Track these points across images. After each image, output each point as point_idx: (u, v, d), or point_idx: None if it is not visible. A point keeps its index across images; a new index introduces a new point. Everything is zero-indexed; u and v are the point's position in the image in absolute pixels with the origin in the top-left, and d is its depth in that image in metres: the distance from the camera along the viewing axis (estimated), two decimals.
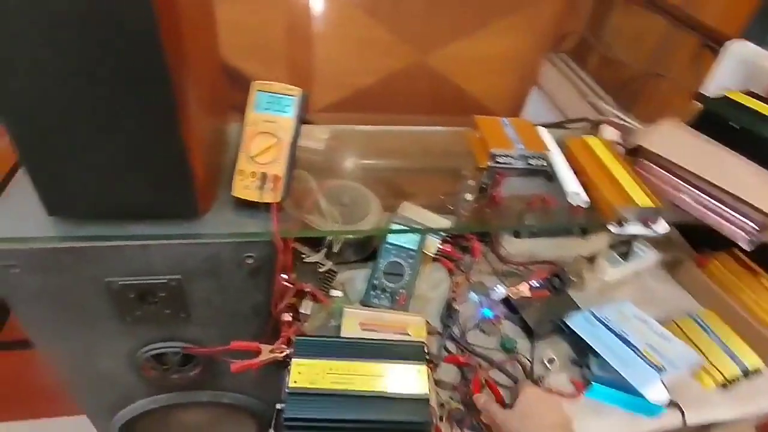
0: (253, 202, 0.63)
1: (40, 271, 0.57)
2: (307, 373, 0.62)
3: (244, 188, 0.62)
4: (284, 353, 0.65)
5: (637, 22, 1.82)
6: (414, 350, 0.66)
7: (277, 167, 0.62)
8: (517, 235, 0.92)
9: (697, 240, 1.04)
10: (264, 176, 0.62)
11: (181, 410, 0.97)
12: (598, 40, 1.92)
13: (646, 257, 0.97)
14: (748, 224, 0.67)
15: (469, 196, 0.84)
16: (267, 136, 0.62)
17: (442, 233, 0.89)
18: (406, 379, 0.62)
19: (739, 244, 0.68)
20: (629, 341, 0.73)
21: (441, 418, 0.69)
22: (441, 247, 0.89)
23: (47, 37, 0.42)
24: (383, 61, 1.88)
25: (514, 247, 0.93)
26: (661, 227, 0.69)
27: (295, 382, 0.60)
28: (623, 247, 0.96)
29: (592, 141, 0.80)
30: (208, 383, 0.84)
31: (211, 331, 0.73)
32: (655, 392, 0.69)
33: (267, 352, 0.65)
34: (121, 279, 0.61)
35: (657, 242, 1.03)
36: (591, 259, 0.96)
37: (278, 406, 0.60)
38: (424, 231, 0.82)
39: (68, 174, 0.52)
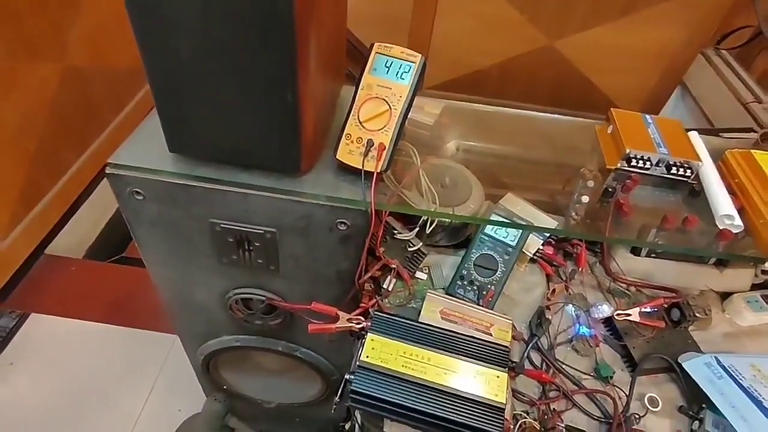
0: (355, 168, 0.61)
1: (158, 201, 0.62)
2: (380, 351, 0.60)
3: (348, 153, 0.61)
4: (361, 325, 0.64)
5: None
6: (497, 354, 0.61)
7: (385, 136, 0.59)
8: (635, 251, 0.80)
9: None
10: (370, 143, 0.59)
11: (258, 353, 1.03)
12: None
13: None
14: None
15: (585, 198, 0.75)
16: (379, 101, 0.59)
17: (546, 234, 0.80)
18: (483, 383, 0.58)
19: None
20: (764, 405, 0.60)
21: None
22: (542, 248, 0.81)
23: None
24: (507, 42, 1.75)
25: (628, 263, 0.81)
26: None
27: (367, 356, 0.59)
28: None
29: (761, 156, 0.65)
30: (285, 335, 0.87)
31: (296, 287, 0.74)
32: None
33: (344, 320, 0.65)
34: (223, 222, 0.64)
35: None
36: (724, 296, 0.81)
37: (347, 376, 0.59)
38: (527, 228, 0.75)
39: (192, 116, 0.55)
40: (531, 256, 0.81)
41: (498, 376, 0.58)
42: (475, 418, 0.55)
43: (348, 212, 0.61)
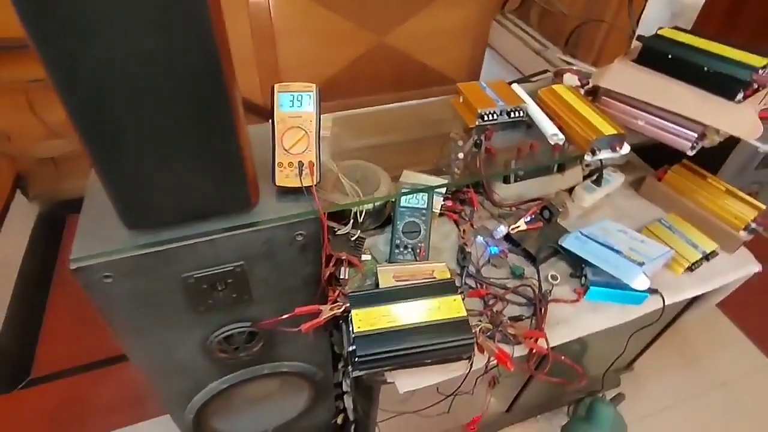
0: (292, 188, 0.74)
1: (129, 277, 0.67)
2: (365, 319, 0.74)
3: (285, 177, 0.73)
4: (342, 308, 0.77)
5: None
6: (446, 286, 0.80)
7: (310, 155, 0.73)
8: (506, 181, 1.06)
9: (653, 160, 1.22)
10: (300, 164, 0.72)
11: (242, 388, 1.08)
12: None
13: (615, 181, 1.14)
14: (689, 134, 0.83)
15: (460, 155, 0.97)
16: (296, 130, 0.73)
17: (442, 192, 1.02)
18: (447, 308, 0.76)
19: (684, 151, 0.84)
20: (614, 248, 0.89)
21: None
22: (444, 203, 1.03)
23: (140, 73, 0.51)
24: (345, 48, 1.96)
25: (505, 192, 1.07)
26: (625, 149, 0.84)
27: (358, 327, 0.73)
28: (595, 176, 1.12)
29: (558, 88, 0.94)
30: (267, 357, 0.95)
31: (270, 307, 0.84)
32: (639, 282, 0.85)
33: (327, 311, 0.77)
34: (195, 273, 0.71)
35: (622, 167, 1.20)
36: (570, 191, 1.12)
37: (349, 348, 0.73)
38: (430, 189, 0.95)
39: (145, 194, 0.62)
40: (439, 212, 1.02)
41: (455, 300, 0.77)
42: (453, 334, 0.74)
43: (301, 224, 0.74)
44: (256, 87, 1.88)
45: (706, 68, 0.79)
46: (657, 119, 0.86)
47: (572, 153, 0.87)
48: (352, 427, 1.29)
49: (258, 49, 1.79)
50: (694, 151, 0.85)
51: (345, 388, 1.15)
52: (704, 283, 0.96)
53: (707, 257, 0.97)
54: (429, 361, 0.76)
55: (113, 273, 0.66)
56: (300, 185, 0.72)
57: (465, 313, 0.76)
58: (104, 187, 0.60)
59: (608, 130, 0.82)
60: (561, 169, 1.10)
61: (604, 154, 0.83)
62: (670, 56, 0.83)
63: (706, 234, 1.00)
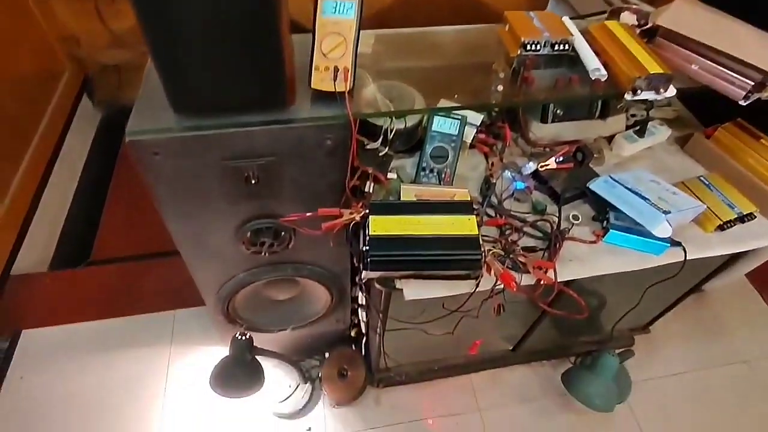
0: (326, 93, 0.77)
1: (173, 155, 0.74)
2: (382, 225, 0.79)
3: (320, 81, 0.76)
4: (362, 213, 0.82)
5: None
6: (464, 205, 0.83)
7: (346, 61, 0.76)
8: (543, 120, 1.04)
9: (705, 117, 1.15)
10: (336, 69, 0.75)
11: (268, 288, 1.19)
12: None
13: (660, 134, 1.09)
14: (746, 82, 0.78)
15: (500, 88, 0.96)
16: (335, 35, 0.75)
17: (476, 123, 1.02)
18: (460, 225, 0.79)
19: (737, 100, 0.80)
20: (642, 195, 0.88)
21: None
22: (476, 135, 1.03)
23: None
24: None
25: (541, 131, 1.05)
26: (670, 91, 0.81)
27: (374, 230, 0.78)
28: (639, 127, 1.08)
29: (611, 24, 0.89)
30: (292, 257, 1.04)
31: (297, 208, 0.90)
32: (661, 230, 0.84)
33: (347, 215, 0.83)
34: (233, 161, 0.78)
35: (670, 122, 1.14)
36: (610, 139, 1.09)
37: (363, 249, 0.78)
38: (466, 109, 0.95)
39: (193, 79, 0.68)
40: (470, 143, 1.03)
41: (469, 219, 0.80)
42: (462, 248, 0.77)
43: (331, 128, 0.78)
44: (309, 13, 1.89)
45: None
46: (712, 64, 0.81)
47: (613, 90, 0.85)
48: (364, 340, 1.40)
49: None
50: (748, 102, 0.80)
51: (361, 300, 1.23)
52: (734, 244, 0.93)
53: (743, 218, 0.93)
54: (438, 271, 0.81)
55: (161, 150, 0.73)
56: (333, 89, 0.75)
57: (477, 232, 0.79)
58: (157, 72, 0.66)
59: (654, 68, 0.79)
60: (604, 114, 1.06)
61: (647, 95, 0.80)
62: None
63: (748, 196, 0.96)
